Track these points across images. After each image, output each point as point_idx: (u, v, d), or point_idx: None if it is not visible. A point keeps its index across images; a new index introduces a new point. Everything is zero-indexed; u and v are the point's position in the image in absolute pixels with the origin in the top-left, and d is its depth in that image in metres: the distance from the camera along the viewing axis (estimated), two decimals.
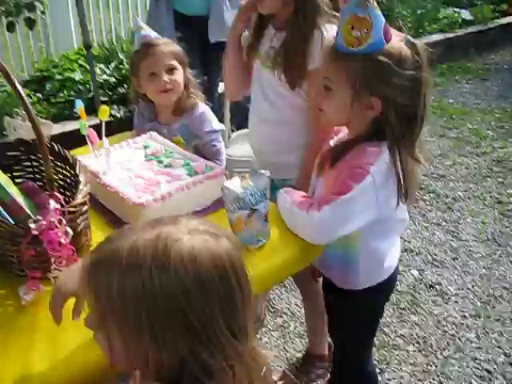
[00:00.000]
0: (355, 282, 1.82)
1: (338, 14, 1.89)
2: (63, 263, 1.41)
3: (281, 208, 1.74)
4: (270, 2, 1.97)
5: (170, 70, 2.20)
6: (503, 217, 3.76)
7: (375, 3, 1.54)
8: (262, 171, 1.66)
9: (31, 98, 4.39)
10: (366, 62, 1.53)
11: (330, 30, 1.89)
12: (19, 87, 1.39)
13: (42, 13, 4.14)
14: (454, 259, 3.32)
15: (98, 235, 1.64)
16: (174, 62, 2.20)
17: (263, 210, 1.61)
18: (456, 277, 3.17)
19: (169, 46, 2.22)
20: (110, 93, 4.50)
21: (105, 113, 1.92)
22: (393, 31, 1.59)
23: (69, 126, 4.07)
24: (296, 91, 2.01)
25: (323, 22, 1.92)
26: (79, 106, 1.90)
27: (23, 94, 1.40)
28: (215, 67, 3.36)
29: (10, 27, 4.03)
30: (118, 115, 4.27)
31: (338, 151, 1.66)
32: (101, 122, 1.92)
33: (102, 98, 4.26)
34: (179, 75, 2.22)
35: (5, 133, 3.41)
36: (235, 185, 1.58)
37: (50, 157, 1.45)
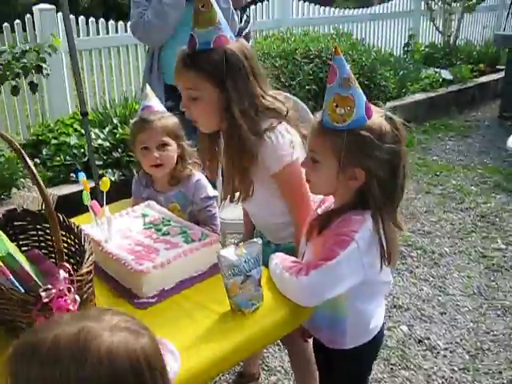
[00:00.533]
0: (342, 342, 1.87)
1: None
2: None
3: (272, 273, 1.81)
4: (204, 121, 2.06)
5: (162, 146, 2.23)
6: (488, 270, 3.84)
7: (357, 83, 1.67)
8: (255, 239, 1.74)
9: None
10: (350, 136, 1.62)
11: (274, 138, 1.96)
12: (29, 162, 1.44)
13: (47, 75, 4.16)
14: (441, 314, 3.37)
15: (101, 301, 1.70)
16: (166, 139, 2.23)
17: (257, 276, 1.69)
18: (444, 331, 3.21)
19: (164, 120, 2.24)
20: (105, 157, 4.54)
21: (106, 184, 2.01)
22: (373, 108, 1.70)
23: (65, 190, 4.15)
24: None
25: (264, 132, 1.96)
26: (82, 177, 1.99)
27: (33, 169, 1.45)
28: None
29: (15, 91, 4.09)
30: (113, 178, 4.29)
31: (324, 219, 1.75)
32: (102, 192, 2.01)
33: (97, 162, 4.28)
34: (171, 151, 2.25)
35: (3, 197, 3.52)
36: (230, 253, 1.65)
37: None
